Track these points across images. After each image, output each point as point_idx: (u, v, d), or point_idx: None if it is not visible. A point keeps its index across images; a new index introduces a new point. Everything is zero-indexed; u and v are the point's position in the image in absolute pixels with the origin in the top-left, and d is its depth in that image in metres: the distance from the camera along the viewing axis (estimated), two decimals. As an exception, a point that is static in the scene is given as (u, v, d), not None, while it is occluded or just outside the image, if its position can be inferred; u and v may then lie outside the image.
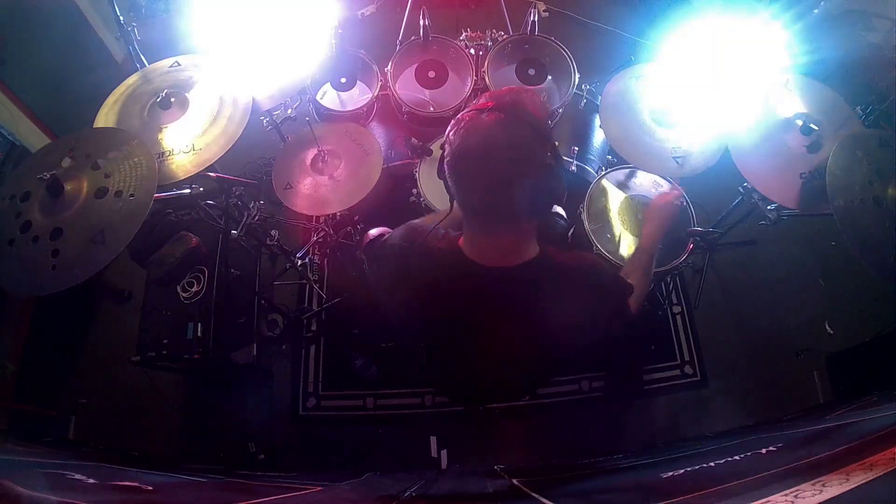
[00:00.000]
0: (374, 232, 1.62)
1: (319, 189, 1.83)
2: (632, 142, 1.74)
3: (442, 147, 0.93)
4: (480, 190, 0.85)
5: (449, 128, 0.88)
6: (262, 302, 2.34)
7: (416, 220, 1.16)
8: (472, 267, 0.95)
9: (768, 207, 1.75)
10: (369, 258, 1.21)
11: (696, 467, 1.12)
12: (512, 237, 0.93)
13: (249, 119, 1.66)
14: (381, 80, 2.05)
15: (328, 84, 2.09)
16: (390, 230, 1.62)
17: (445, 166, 0.89)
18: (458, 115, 0.87)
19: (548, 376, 1.90)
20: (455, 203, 0.94)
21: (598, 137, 2.12)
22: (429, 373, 1.55)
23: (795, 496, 0.60)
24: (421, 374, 1.96)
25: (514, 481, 1.36)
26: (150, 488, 1.09)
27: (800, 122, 1.62)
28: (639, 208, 1.83)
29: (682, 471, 1.07)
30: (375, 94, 2.03)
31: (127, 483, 1.05)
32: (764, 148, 1.63)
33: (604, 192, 1.90)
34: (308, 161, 1.88)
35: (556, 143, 0.89)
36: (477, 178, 0.84)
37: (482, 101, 0.88)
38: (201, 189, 1.78)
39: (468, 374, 1.24)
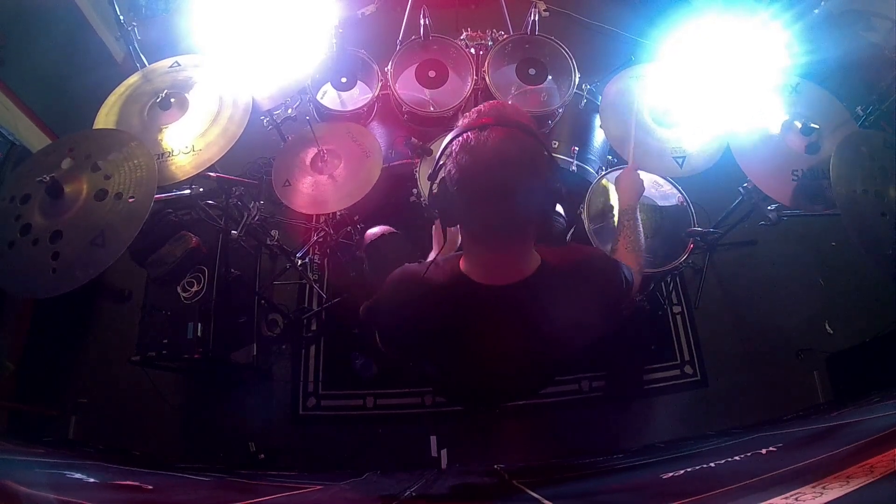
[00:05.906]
0: (374, 231, 1.62)
1: (319, 188, 1.82)
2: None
3: (439, 169, 0.90)
4: (495, 204, 0.84)
5: (455, 149, 0.86)
6: (262, 302, 2.33)
7: (397, 271, 1.06)
8: (481, 291, 0.94)
9: (769, 208, 1.75)
10: (370, 260, 1.20)
11: (696, 467, 1.12)
12: (519, 250, 0.93)
13: (249, 119, 1.66)
14: (381, 80, 2.05)
15: (328, 84, 2.08)
16: (390, 228, 1.62)
17: (455, 185, 0.85)
18: (461, 136, 0.85)
19: (560, 373, 1.89)
20: (456, 228, 0.92)
21: (598, 137, 2.12)
22: (440, 388, 1.55)
23: (796, 499, 0.60)
24: (425, 382, 1.96)
25: (515, 481, 1.36)
26: (150, 488, 1.09)
27: (799, 124, 1.62)
28: (639, 208, 1.83)
29: (682, 471, 1.07)
30: (376, 93, 2.03)
31: (127, 483, 1.05)
32: (764, 146, 1.63)
33: (604, 192, 1.89)
34: (308, 160, 1.87)
35: (555, 144, 0.89)
36: (492, 194, 0.83)
37: (475, 117, 0.87)
38: (201, 189, 1.79)
39: (485, 386, 1.24)
